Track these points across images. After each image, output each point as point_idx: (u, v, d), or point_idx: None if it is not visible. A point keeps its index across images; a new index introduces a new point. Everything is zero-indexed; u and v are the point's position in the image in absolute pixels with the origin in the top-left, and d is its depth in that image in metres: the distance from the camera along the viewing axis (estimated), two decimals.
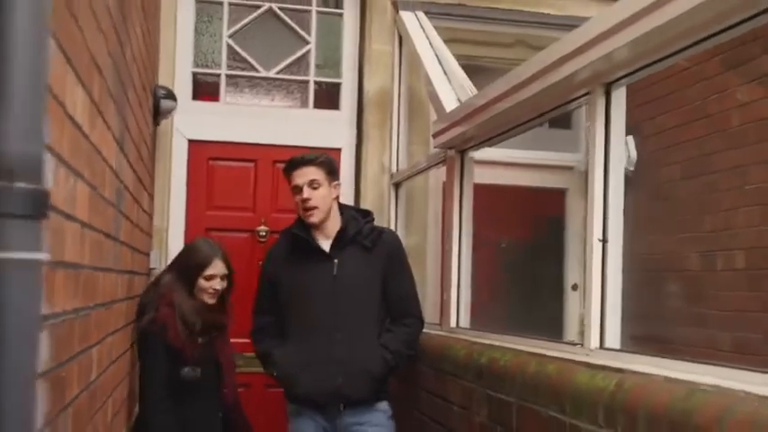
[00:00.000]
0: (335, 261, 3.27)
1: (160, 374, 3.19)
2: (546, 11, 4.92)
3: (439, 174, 4.26)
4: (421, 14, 4.68)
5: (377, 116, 4.74)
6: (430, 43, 4.44)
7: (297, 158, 3.33)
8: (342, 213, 3.37)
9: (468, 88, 3.83)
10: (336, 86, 4.87)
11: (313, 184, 3.26)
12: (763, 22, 1.81)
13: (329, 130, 4.81)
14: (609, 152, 2.39)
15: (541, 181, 4.84)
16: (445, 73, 4.11)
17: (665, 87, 4.36)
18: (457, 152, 3.57)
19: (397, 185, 4.65)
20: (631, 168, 4.67)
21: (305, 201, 3.25)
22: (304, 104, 4.87)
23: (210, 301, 3.31)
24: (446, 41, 4.53)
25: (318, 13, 4.88)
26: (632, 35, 2.13)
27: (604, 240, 2.34)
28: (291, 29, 4.85)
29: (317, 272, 3.28)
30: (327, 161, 3.33)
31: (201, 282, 3.30)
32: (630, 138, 4.59)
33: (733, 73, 3.84)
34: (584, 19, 4.69)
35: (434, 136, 3.72)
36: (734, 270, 3.91)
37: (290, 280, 3.31)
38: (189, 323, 3.22)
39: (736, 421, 1.50)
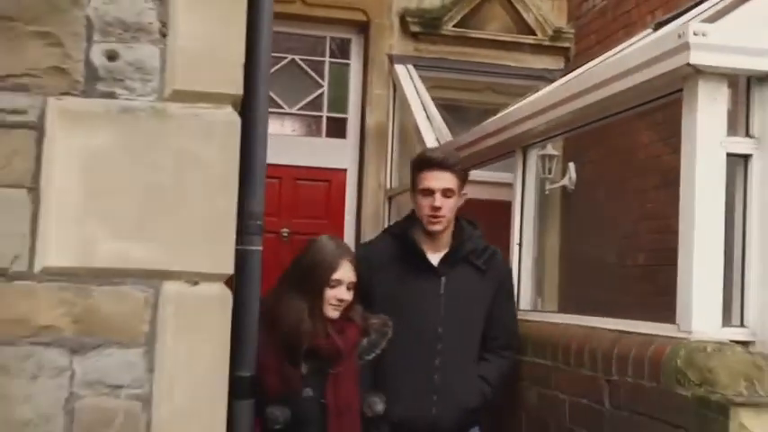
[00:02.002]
0: (443, 279, 3.02)
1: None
2: (509, 63, 6.50)
3: None
4: (410, 67, 6.25)
5: (375, 144, 6.30)
6: (416, 91, 6.01)
7: (436, 158, 3.04)
8: (457, 224, 3.11)
9: (445, 132, 5.38)
10: (344, 120, 6.45)
11: (447, 193, 2.98)
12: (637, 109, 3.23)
13: (338, 154, 6.38)
14: (525, 187, 3.93)
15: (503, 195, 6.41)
16: (428, 117, 5.67)
17: (597, 131, 5.95)
18: None
19: (390, 198, 6.21)
20: (572, 187, 6.26)
21: (435, 209, 2.96)
22: (318, 134, 6.45)
23: (334, 314, 2.70)
24: (430, 87, 6.11)
25: (330, 63, 6.46)
26: (541, 121, 3.67)
27: (520, 244, 3.89)
28: (309, 75, 6.42)
29: (423, 288, 3.00)
30: (464, 169, 3.10)
31: (328, 290, 2.71)
32: (572, 164, 6.17)
33: (639, 121, 5.43)
34: (538, 69, 6.39)
35: None
36: (637, 266, 5.50)
37: (389, 290, 2.98)
38: (290, 339, 2.63)
39: (598, 342, 2.96)
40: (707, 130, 2.58)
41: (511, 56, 6.50)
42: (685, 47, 2.52)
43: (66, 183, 2.00)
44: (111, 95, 2.04)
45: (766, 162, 2.60)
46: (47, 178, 2.00)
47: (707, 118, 2.58)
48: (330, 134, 6.44)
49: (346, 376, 2.69)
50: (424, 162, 3.04)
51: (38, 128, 2.00)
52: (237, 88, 2.13)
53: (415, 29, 6.34)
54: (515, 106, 4.39)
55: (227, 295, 2.12)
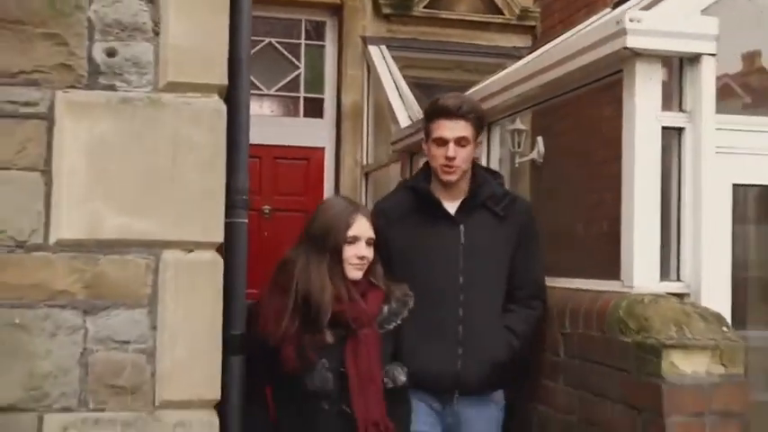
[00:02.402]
0: (461, 227, 2.93)
1: (253, 376, 2.53)
2: (478, 42, 6.80)
3: (396, 167, 6.13)
4: (383, 47, 6.54)
5: (351, 123, 6.60)
6: (389, 71, 6.30)
7: (450, 105, 2.92)
8: (473, 172, 3.02)
9: (417, 110, 5.69)
10: (320, 101, 6.74)
11: (461, 142, 2.90)
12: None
13: (315, 133, 6.68)
14: (490, 160, 4.24)
15: None
16: (400, 96, 5.97)
17: (563, 106, 6.28)
18: (407, 154, 5.44)
19: (366, 175, 6.52)
20: (540, 160, 6.59)
21: (449, 159, 2.88)
22: (296, 114, 6.74)
23: (357, 274, 2.55)
24: (403, 67, 6.40)
25: (306, 45, 6.74)
26: (503, 99, 3.97)
27: None
28: (286, 57, 6.69)
29: (441, 237, 2.92)
30: (480, 116, 2.99)
31: (345, 248, 2.55)
32: (540, 138, 6.49)
33: (601, 95, 5.76)
34: (506, 48, 6.69)
35: (393, 143, 5.59)
36: (602, 233, 5.86)
37: (407, 243, 2.90)
38: (314, 306, 2.48)
39: (556, 300, 3.28)
40: (644, 106, 2.90)
41: (480, 35, 6.80)
42: (623, 32, 2.83)
43: (74, 165, 2.30)
44: (112, 88, 2.33)
45: (697, 134, 2.93)
46: (57, 162, 2.30)
47: (644, 95, 2.90)
48: (307, 114, 6.73)
49: (368, 344, 2.50)
50: (436, 110, 2.94)
51: (48, 118, 2.29)
52: (222, 79, 2.43)
53: (387, 10, 6.63)
54: (480, 85, 4.69)
55: (218, 261, 2.43)
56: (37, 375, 2.26)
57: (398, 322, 2.65)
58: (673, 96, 2.99)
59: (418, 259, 2.90)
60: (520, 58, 6.14)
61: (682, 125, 2.95)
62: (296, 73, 6.68)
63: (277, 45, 6.63)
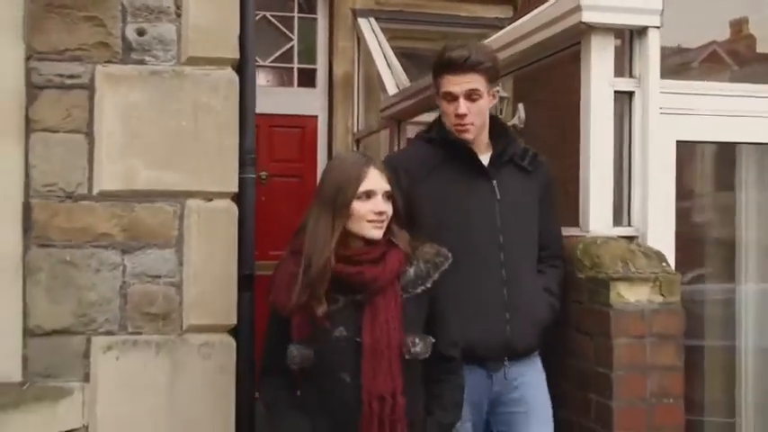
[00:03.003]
0: (494, 182, 2.75)
1: (268, 349, 2.42)
2: (462, 14, 7.24)
3: (386, 132, 6.60)
4: (372, 20, 6.96)
5: (343, 92, 7.04)
6: (378, 42, 6.74)
7: (455, 57, 2.68)
8: (492, 125, 2.85)
9: (404, 79, 6.14)
10: (313, 71, 7.18)
11: (472, 96, 2.68)
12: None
13: (309, 102, 7.12)
14: None
15: None
16: (389, 66, 6.42)
17: (541, 74, 6.74)
18: (395, 121, 5.91)
19: (358, 141, 6.98)
20: (521, 125, 7.05)
21: (460, 116, 2.68)
22: (290, 84, 7.18)
23: (377, 233, 2.34)
24: (391, 38, 6.84)
25: (299, 18, 7.17)
26: None
27: None
28: (280, 30, 7.12)
29: (476, 193, 2.72)
30: (492, 66, 2.74)
31: (357, 205, 2.33)
32: (521, 104, 6.95)
33: (572, 65, 6.21)
34: (488, 19, 7.14)
35: (381, 111, 6.06)
36: (573, 190, 6.35)
37: (438, 201, 2.69)
38: (314, 272, 2.27)
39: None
40: (598, 73, 3.36)
41: (463, 7, 7.24)
42: (578, 8, 3.28)
43: (112, 128, 2.77)
44: (142, 62, 2.80)
45: (645, 96, 3.39)
46: (98, 125, 2.77)
47: (598, 64, 3.36)
48: (301, 84, 7.18)
49: (386, 310, 2.30)
50: (443, 64, 2.71)
51: (89, 88, 2.76)
52: (234, 53, 2.90)
53: None
54: None
55: (233, 208, 2.91)
56: (85, 304, 2.76)
57: (428, 285, 2.39)
58: (624, 64, 3.46)
59: (453, 218, 2.68)
60: (501, 28, 6.56)
61: (632, 89, 3.40)
62: (289, 45, 7.12)
63: (271, 18, 7.05)
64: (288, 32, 7.14)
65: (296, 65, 7.17)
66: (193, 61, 2.82)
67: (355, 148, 7.00)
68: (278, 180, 6.93)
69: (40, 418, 2.63)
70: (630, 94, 3.43)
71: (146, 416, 2.78)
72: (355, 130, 7.01)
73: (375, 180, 2.36)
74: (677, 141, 3.46)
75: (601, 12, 3.31)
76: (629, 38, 3.46)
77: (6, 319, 2.68)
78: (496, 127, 2.89)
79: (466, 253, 2.59)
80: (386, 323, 2.30)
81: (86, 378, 2.74)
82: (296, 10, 7.18)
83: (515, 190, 2.81)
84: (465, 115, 2.69)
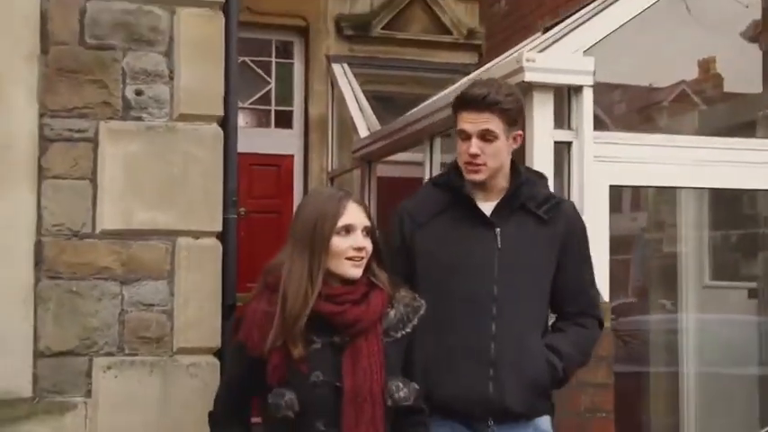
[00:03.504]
0: (497, 230, 2.61)
1: (227, 395, 2.33)
2: (428, 59, 7.78)
3: (358, 172, 7.09)
4: (345, 65, 7.48)
5: (318, 133, 7.55)
6: (351, 86, 7.25)
7: (473, 95, 2.59)
8: (512, 170, 2.70)
9: (374, 122, 6.64)
10: (290, 113, 7.69)
11: (486, 136, 2.57)
12: None
13: (286, 142, 7.61)
14: (433, 169, 5.20)
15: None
16: (360, 109, 6.92)
17: None
18: (366, 162, 6.40)
19: (332, 179, 7.47)
20: None
21: (472, 156, 2.58)
22: (268, 125, 7.68)
23: (355, 272, 2.26)
24: (363, 82, 7.35)
25: (276, 62, 7.68)
26: (443, 115, 4.92)
27: None
28: (258, 73, 7.62)
29: (475, 241, 2.61)
30: (511, 107, 2.60)
31: (335, 241, 2.24)
32: None
33: None
34: (455, 64, 7.69)
35: (353, 151, 6.55)
36: None
37: (434, 247, 2.62)
38: (289, 312, 2.16)
39: None
40: (540, 126, 3.87)
41: (432, 53, 7.78)
42: (521, 69, 3.79)
43: (112, 175, 3.24)
44: (140, 119, 3.27)
45: (581, 146, 3.90)
46: (101, 173, 3.23)
47: (540, 117, 3.87)
48: (278, 125, 7.68)
49: (369, 353, 2.20)
50: (460, 100, 2.63)
51: (94, 141, 3.23)
52: (219, 111, 3.38)
53: (348, 32, 7.59)
54: (428, 101, 5.66)
55: (218, 245, 3.38)
56: (88, 329, 3.20)
57: (408, 330, 2.31)
58: (563, 117, 3.97)
59: (446, 265, 2.59)
60: (467, 73, 7.09)
61: (570, 140, 3.92)
62: (267, 88, 7.61)
63: (250, 63, 7.55)
64: (266, 76, 7.64)
65: (273, 107, 7.67)
66: (184, 118, 3.29)
67: (329, 186, 7.47)
68: (256, 216, 7.37)
69: (48, 428, 3.06)
70: (568, 144, 3.94)
71: (140, 426, 3.20)
72: (330, 168, 7.50)
73: (354, 214, 2.27)
74: (610, 186, 3.97)
75: (541, 73, 3.82)
76: (566, 94, 3.98)
77: (19, 342, 3.11)
78: (516, 172, 2.70)
79: (448, 301, 2.53)
80: (369, 367, 2.19)
81: (89, 394, 3.18)
82: (273, 55, 7.69)
83: (523, 239, 2.63)
84: (477, 155, 2.57)
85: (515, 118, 2.63)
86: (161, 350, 3.26)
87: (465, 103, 2.60)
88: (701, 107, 7.38)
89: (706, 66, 7.26)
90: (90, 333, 3.20)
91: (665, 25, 5.36)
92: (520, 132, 2.67)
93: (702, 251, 5.64)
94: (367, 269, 2.29)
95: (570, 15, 5.35)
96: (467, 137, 2.59)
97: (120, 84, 3.25)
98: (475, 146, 2.56)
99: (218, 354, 3.37)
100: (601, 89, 6.52)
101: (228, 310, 3.50)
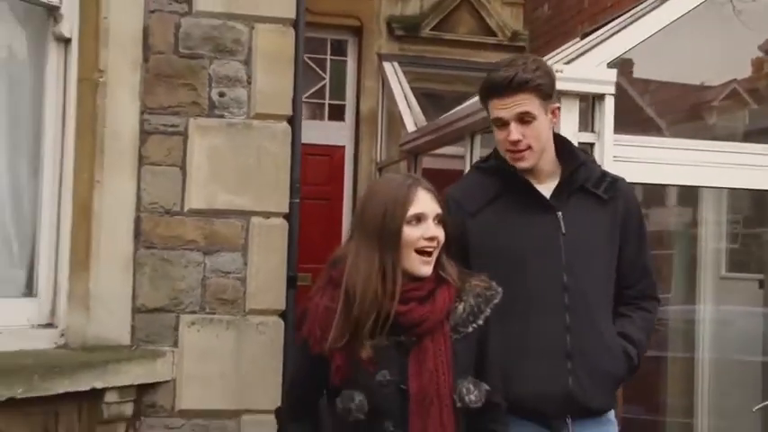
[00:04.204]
0: (559, 214, 2.51)
1: (297, 391, 2.35)
2: (476, 59, 8.38)
3: (404, 163, 7.73)
4: (395, 64, 8.11)
5: (368, 126, 8.21)
6: (400, 84, 7.89)
7: (499, 80, 2.47)
8: (558, 146, 2.60)
9: (421, 118, 7.27)
10: (342, 107, 8.37)
11: (525, 118, 2.45)
12: None
13: (338, 134, 8.30)
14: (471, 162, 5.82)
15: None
16: (408, 105, 7.56)
17: None
18: (413, 155, 7.04)
19: (380, 170, 8.13)
20: None
21: (513, 143, 2.46)
22: (322, 118, 8.37)
23: (426, 269, 2.18)
24: (412, 80, 7.98)
25: (331, 60, 8.36)
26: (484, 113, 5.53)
27: None
28: (314, 70, 8.31)
29: (537, 228, 2.50)
30: (543, 82, 2.48)
31: (406, 231, 2.15)
32: None
33: None
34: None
35: (401, 145, 7.19)
36: None
37: (491, 237, 2.49)
38: (358, 312, 2.12)
39: None
40: (566, 129, 4.41)
41: (477, 53, 8.38)
42: None
43: (199, 163, 3.93)
44: (222, 116, 3.96)
45: (602, 147, 4.49)
46: (189, 161, 3.93)
47: (566, 121, 4.43)
48: (331, 118, 8.37)
49: (435, 354, 2.14)
50: (488, 88, 2.52)
51: (184, 134, 3.93)
52: (288, 111, 4.06)
53: (399, 32, 8.23)
54: (465, 104, 6.27)
55: (284, 224, 4.06)
56: (176, 290, 3.90)
57: (480, 323, 2.23)
58: (588, 121, 4.56)
59: (508, 255, 2.47)
60: None
61: (592, 141, 4.50)
62: (322, 83, 8.29)
63: (307, 59, 8.21)
64: (321, 72, 8.32)
65: (327, 101, 8.35)
66: (259, 117, 3.97)
67: (378, 176, 8.13)
68: (309, 202, 8.04)
69: (143, 370, 3.76)
70: (591, 145, 4.53)
71: (217, 374, 3.90)
72: (378, 159, 8.16)
73: (425, 202, 2.19)
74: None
75: (568, 82, 4.41)
76: (591, 101, 4.57)
77: (121, 300, 3.82)
78: (564, 148, 2.63)
79: (522, 296, 2.41)
80: (435, 369, 2.13)
81: (175, 344, 3.88)
82: (329, 53, 8.37)
83: (586, 222, 2.54)
84: (519, 141, 2.47)
85: (549, 92, 2.53)
86: (235, 310, 3.95)
87: (493, 89, 2.50)
88: (751, 106, 7.79)
89: (759, 64, 7.61)
90: (177, 294, 3.90)
91: (713, 25, 5.83)
92: (558, 105, 2.61)
93: (720, 245, 6.18)
94: (437, 263, 2.22)
95: (608, 23, 5.95)
96: (504, 124, 2.49)
97: (207, 87, 3.94)
98: (515, 131, 2.46)
99: (283, 315, 4.06)
100: (650, 87, 6.95)
101: (291, 279, 4.18)
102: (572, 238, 2.51)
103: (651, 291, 2.71)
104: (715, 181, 4.74)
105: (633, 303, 2.65)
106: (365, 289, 2.12)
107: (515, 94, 2.45)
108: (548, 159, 2.57)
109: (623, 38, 4.70)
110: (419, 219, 2.17)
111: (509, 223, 2.51)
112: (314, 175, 8.20)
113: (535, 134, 2.49)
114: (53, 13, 3.69)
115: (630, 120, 5.96)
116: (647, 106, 6.92)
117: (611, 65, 4.60)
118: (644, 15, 4.78)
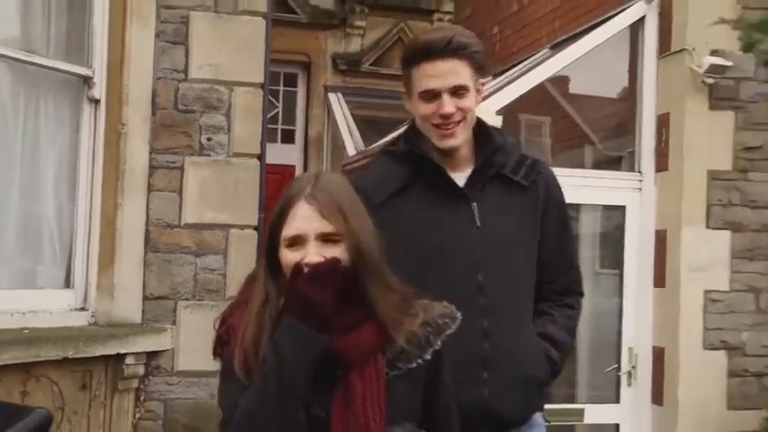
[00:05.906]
0: (474, 205, 2.32)
1: (226, 405, 2.05)
2: None
3: None
4: (339, 94, 9.82)
5: (315, 149, 9.90)
6: (342, 112, 9.57)
7: (433, 41, 2.30)
8: (474, 128, 2.39)
9: (360, 143, 8.94)
10: (293, 131, 10.05)
11: (459, 91, 2.28)
12: None
13: (289, 154, 9.96)
14: None
15: None
16: (349, 131, 9.23)
17: None
18: (353, 176, 8.69)
19: None
20: None
21: (446, 117, 2.27)
22: (275, 141, 10.01)
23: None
24: (354, 108, 9.67)
25: (284, 90, 10.02)
26: None
27: None
28: (269, 99, 9.93)
29: (450, 221, 2.31)
30: (479, 49, 2.33)
31: (283, 257, 1.90)
32: None
33: None
34: None
35: (343, 166, 8.85)
36: None
37: (402, 231, 2.24)
38: (246, 348, 1.90)
39: None
40: None
41: None
42: None
43: (192, 190, 5.56)
44: (209, 155, 5.61)
45: None
46: (185, 188, 5.55)
47: None
48: (284, 141, 10.03)
49: (363, 394, 1.87)
50: (417, 51, 2.37)
51: (181, 169, 5.57)
52: (258, 150, 5.73)
53: (342, 67, 9.94)
54: (398, 129, 7.95)
55: (254, 234, 5.71)
56: (175, 283, 5.53)
57: (427, 357, 1.96)
58: None
59: (418, 252, 2.31)
60: None
61: None
62: (276, 110, 9.95)
63: None
64: (275, 101, 9.98)
65: (280, 126, 10.03)
66: (236, 155, 5.63)
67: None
68: (267, 214, 9.68)
69: (151, 341, 5.37)
70: None
71: (204, 345, 5.47)
72: None
73: (303, 220, 1.89)
74: None
75: None
76: None
77: (135, 290, 5.43)
78: (481, 130, 2.46)
79: (432, 299, 2.11)
80: (363, 413, 1.86)
81: (174, 323, 5.49)
82: (281, 84, 10.04)
83: (504, 213, 2.40)
84: (451, 114, 2.31)
85: (482, 63, 2.40)
86: (218, 297, 5.58)
87: (425, 51, 2.33)
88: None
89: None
90: (176, 286, 5.52)
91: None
92: (483, 81, 2.47)
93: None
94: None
95: (506, 70, 7.71)
96: (434, 96, 2.33)
97: (198, 134, 5.57)
98: (449, 103, 2.30)
99: None
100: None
101: None
102: (487, 232, 2.36)
103: (575, 285, 2.59)
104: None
105: (555, 300, 2.51)
106: (251, 326, 1.91)
107: (450, 59, 2.31)
108: (469, 143, 2.41)
109: (506, 93, 6.43)
110: (294, 242, 1.90)
111: (419, 216, 2.36)
112: (270, 190, 9.81)
113: (467, 109, 2.36)
114: (87, 81, 5.30)
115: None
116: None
117: (498, 112, 6.33)
118: (521, 76, 6.53)
